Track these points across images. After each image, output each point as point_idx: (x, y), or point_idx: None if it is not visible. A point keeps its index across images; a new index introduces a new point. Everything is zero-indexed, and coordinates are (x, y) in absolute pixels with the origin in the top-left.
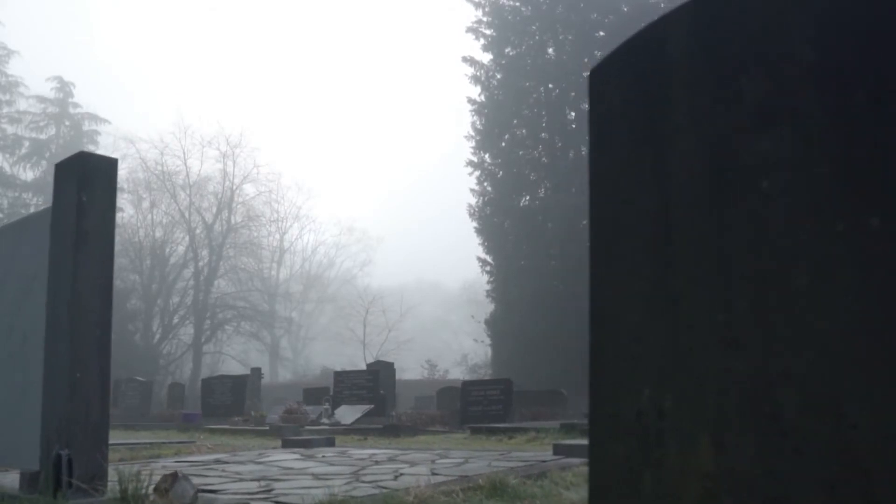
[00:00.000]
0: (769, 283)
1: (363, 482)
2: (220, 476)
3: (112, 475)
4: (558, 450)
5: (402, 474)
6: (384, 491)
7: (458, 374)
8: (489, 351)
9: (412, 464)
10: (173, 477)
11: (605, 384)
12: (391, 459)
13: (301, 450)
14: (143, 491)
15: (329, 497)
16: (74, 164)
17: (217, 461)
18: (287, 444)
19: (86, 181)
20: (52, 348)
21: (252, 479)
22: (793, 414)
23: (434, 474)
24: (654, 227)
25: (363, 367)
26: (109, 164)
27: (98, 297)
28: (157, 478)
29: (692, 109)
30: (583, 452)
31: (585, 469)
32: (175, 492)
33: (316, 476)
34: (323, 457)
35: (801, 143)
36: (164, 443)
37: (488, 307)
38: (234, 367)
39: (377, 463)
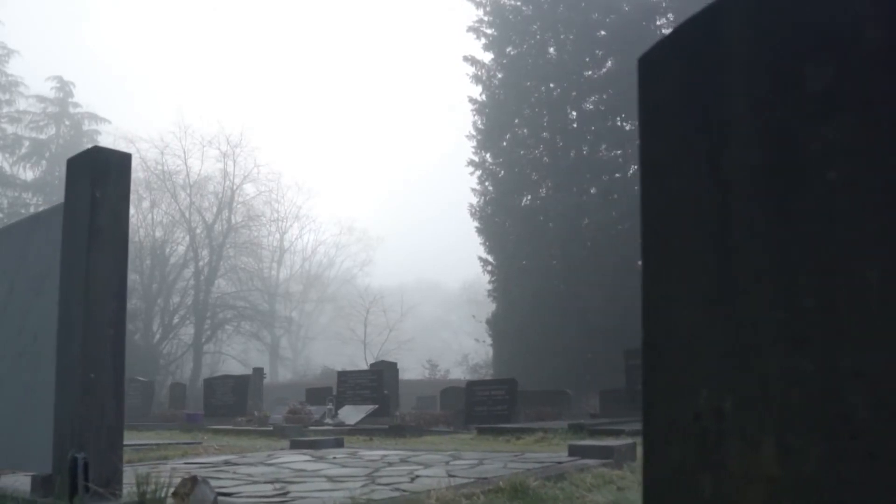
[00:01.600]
0: (837, 277)
1: (380, 485)
2: (232, 478)
3: (129, 478)
4: (573, 451)
5: (417, 476)
6: (403, 493)
7: (458, 374)
8: (490, 351)
9: (426, 465)
10: (193, 481)
11: (659, 385)
12: (403, 461)
13: (310, 451)
14: (162, 494)
15: (351, 501)
16: (87, 159)
17: (226, 463)
18: (295, 446)
19: (99, 176)
20: (64, 348)
21: (265, 482)
22: (865, 415)
23: (451, 476)
24: (712, 219)
25: (363, 366)
26: (123, 159)
27: (112, 295)
28: (176, 481)
29: (751, 96)
30: (599, 453)
31: (604, 470)
32: (195, 496)
33: (330, 478)
34: (334, 458)
35: (870, 130)
36: (170, 444)
37: (489, 307)
38: (234, 367)
39: (390, 464)
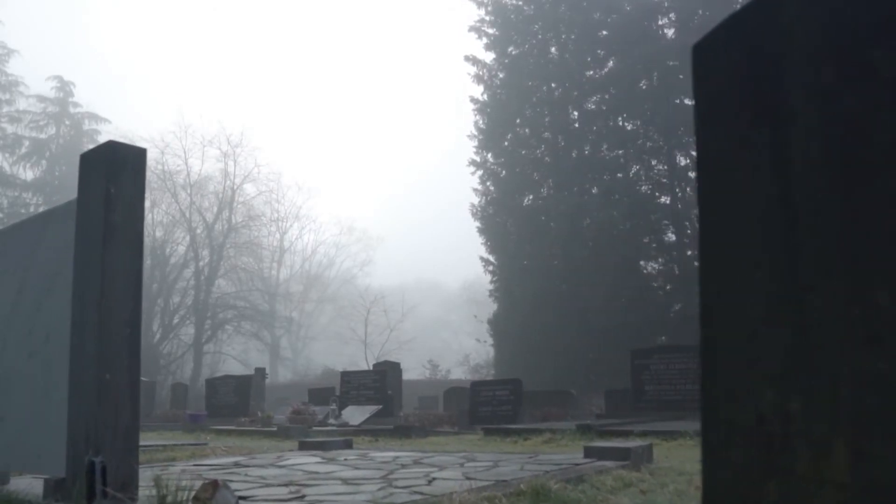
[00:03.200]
0: None
1: (397, 487)
2: (244, 481)
3: (147, 481)
4: (589, 452)
5: (434, 479)
6: (424, 497)
7: (460, 374)
8: (491, 351)
9: (441, 467)
10: (213, 485)
11: (718, 387)
12: (417, 462)
13: (320, 452)
14: (183, 498)
15: None
16: (102, 155)
17: (236, 464)
18: (304, 447)
19: (114, 172)
20: (78, 348)
21: (279, 485)
22: None
23: (468, 478)
24: (775, 212)
25: (364, 366)
26: (138, 155)
27: (128, 293)
28: (197, 484)
29: (815, 85)
30: (615, 455)
31: (622, 472)
32: (216, 501)
33: (345, 481)
34: (345, 460)
35: None
36: (175, 444)
37: (489, 307)
38: (234, 367)
39: (403, 466)
